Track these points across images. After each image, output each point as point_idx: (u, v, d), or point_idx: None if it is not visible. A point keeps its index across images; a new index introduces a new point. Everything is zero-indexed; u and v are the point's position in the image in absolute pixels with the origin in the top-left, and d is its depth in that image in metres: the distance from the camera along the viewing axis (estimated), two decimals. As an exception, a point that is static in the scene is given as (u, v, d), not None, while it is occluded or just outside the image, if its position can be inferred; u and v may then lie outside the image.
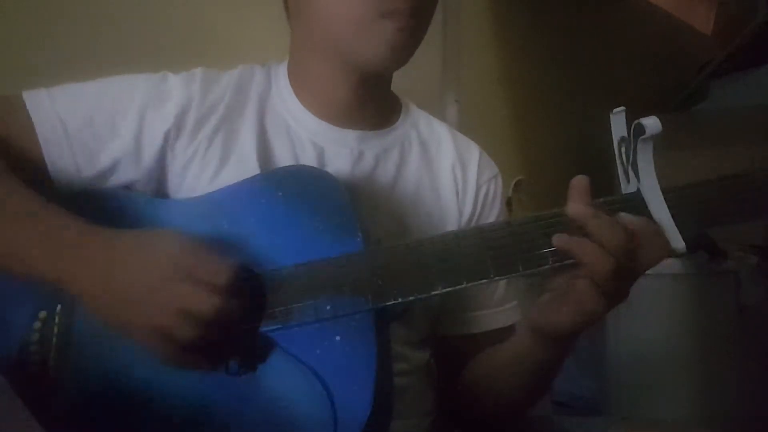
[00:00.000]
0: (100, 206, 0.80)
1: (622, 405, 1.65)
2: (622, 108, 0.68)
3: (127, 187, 0.82)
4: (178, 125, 0.81)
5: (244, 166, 0.81)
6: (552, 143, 2.22)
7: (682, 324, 1.62)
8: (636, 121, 0.66)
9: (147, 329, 0.65)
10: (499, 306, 0.91)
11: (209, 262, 0.66)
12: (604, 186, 0.71)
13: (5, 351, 0.75)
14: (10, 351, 0.75)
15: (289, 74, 0.88)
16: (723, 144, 1.73)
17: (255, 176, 0.80)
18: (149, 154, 0.80)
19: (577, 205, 0.66)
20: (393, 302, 0.68)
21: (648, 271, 0.67)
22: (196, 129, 0.81)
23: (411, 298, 0.68)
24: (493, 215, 0.92)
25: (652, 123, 0.64)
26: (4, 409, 0.65)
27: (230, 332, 0.67)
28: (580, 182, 0.68)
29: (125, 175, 0.81)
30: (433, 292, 0.68)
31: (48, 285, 0.68)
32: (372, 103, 0.87)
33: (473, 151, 0.94)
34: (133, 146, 0.80)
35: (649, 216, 0.66)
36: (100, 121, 0.80)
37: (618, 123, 0.69)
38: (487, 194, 0.92)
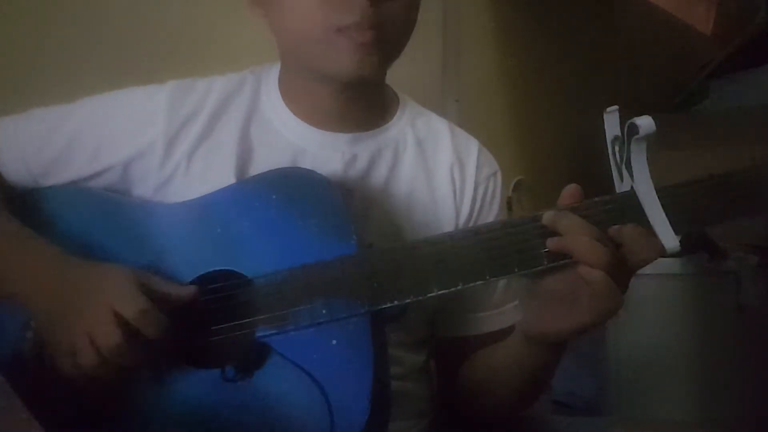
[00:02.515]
0: (88, 208, 0.80)
1: (622, 405, 1.65)
2: (615, 107, 0.68)
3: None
4: (140, 150, 0.81)
5: (224, 175, 0.81)
6: (552, 143, 2.22)
7: (682, 324, 1.62)
8: (629, 121, 0.65)
9: (63, 343, 0.68)
10: (499, 307, 0.90)
11: (134, 301, 0.67)
12: (604, 186, 0.71)
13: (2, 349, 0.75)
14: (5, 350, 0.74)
15: (279, 80, 0.87)
16: (723, 144, 1.73)
17: (247, 179, 0.79)
18: (107, 179, 0.82)
19: (548, 212, 0.67)
20: (389, 305, 0.68)
21: (648, 271, 0.67)
22: (170, 148, 0.81)
23: (407, 300, 0.68)
24: (492, 214, 0.90)
25: (645, 122, 0.64)
26: (4, 409, 0.65)
27: (131, 369, 0.68)
28: (567, 190, 0.69)
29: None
30: (428, 294, 0.68)
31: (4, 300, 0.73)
32: (361, 105, 0.85)
33: (472, 148, 0.92)
34: (89, 172, 0.82)
35: (643, 214, 0.66)
36: (58, 147, 0.82)
37: (611, 122, 0.68)
38: (485, 193, 0.90)
